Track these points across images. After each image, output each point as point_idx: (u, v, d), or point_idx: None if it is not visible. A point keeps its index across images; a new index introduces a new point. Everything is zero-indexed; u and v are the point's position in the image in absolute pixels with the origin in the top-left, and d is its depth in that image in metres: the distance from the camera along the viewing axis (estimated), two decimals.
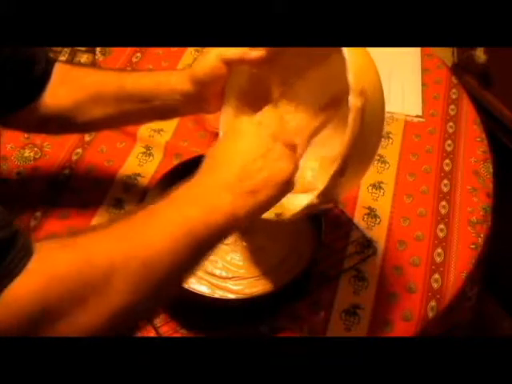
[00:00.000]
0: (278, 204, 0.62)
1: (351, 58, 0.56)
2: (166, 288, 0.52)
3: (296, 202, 0.62)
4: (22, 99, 0.70)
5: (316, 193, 0.58)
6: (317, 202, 0.59)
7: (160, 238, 0.50)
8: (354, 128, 0.55)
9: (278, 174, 0.56)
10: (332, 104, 0.69)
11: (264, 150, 0.57)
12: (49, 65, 0.71)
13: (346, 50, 0.56)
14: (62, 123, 0.73)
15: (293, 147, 0.60)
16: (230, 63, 0.65)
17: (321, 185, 0.58)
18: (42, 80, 0.70)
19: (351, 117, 0.55)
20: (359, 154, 0.57)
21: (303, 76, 0.70)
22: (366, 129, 0.56)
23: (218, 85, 0.67)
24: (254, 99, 0.71)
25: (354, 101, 0.55)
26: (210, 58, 0.65)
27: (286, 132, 0.61)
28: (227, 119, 0.70)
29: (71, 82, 0.71)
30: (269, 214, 0.63)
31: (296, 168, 0.58)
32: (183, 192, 0.54)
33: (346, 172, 0.57)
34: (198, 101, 0.69)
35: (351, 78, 0.55)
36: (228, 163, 0.56)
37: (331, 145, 0.69)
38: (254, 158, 0.56)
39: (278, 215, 0.63)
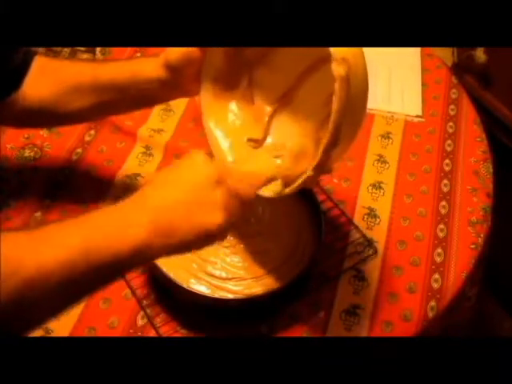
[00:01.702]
0: (274, 180, 0.62)
1: None
2: (55, 305, 0.50)
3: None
4: (1, 90, 0.69)
5: (311, 166, 0.58)
6: (312, 175, 0.59)
7: (53, 263, 0.47)
8: (341, 97, 0.54)
9: (203, 223, 0.54)
10: (307, 72, 0.69)
11: (204, 194, 0.55)
12: (28, 56, 0.71)
13: None
14: (44, 115, 0.73)
15: (237, 195, 0.58)
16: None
17: (314, 156, 0.58)
18: (20, 71, 0.70)
19: (337, 86, 0.54)
20: (348, 122, 0.57)
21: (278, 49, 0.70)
22: (352, 96, 0.56)
23: (193, 68, 0.67)
24: (231, 78, 0.70)
25: (337, 69, 0.54)
26: None
27: (238, 176, 0.59)
28: (207, 102, 0.70)
29: (50, 74, 0.71)
30: (266, 192, 0.63)
31: (232, 218, 0.55)
32: (99, 214, 0.52)
33: (338, 142, 0.56)
34: (175, 86, 0.68)
35: (332, 48, 0.55)
36: (162, 192, 0.55)
37: (303, 110, 0.69)
38: (189, 198, 0.54)
39: (275, 192, 0.63)
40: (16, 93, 0.70)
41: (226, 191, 0.56)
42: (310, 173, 0.59)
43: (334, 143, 0.56)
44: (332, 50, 0.55)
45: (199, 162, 0.57)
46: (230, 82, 0.70)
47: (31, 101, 0.70)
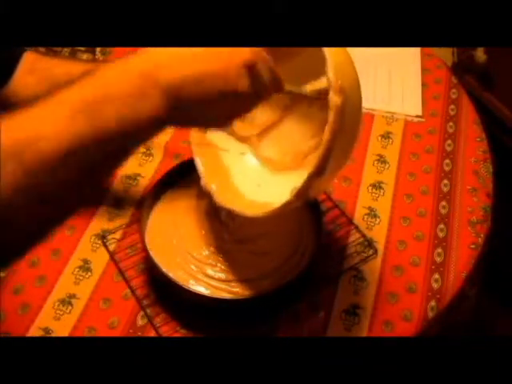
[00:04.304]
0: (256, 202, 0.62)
1: (331, 55, 0.55)
2: (65, 196, 0.45)
3: (274, 198, 0.62)
4: None
5: (293, 192, 0.58)
6: (293, 201, 0.58)
7: (57, 142, 0.42)
8: (335, 127, 0.54)
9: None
10: (299, 100, 0.69)
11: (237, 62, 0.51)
12: (15, 52, 0.70)
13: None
14: None
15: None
16: None
17: (297, 182, 0.57)
18: (7, 67, 0.69)
19: (331, 116, 0.53)
20: (337, 153, 0.56)
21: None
22: (346, 127, 0.55)
23: None
24: None
25: (334, 99, 0.53)
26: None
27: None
28: None
29: (40, 72, 0.70)
30: (245, 212, 0.64)
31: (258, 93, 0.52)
32: (105, 79, 0.47)
33: (325, 171, 0.56)
34: None
35: (331, 74, 0.54)
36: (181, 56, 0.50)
37: (291, 137, 0.70)
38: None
39: (252, 213, 0.64)
40: (4, 89, 0.69)
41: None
42: (290, 198, 0.58)
43: (319, 173, 0.55)
44: (330, 77, 0.54)
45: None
46: None
47: (20, 97, 0.69)
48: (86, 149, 0.44)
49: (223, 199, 0.67)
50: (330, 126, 0.54)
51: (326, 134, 0.54)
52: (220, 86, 0.50)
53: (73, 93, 0.45)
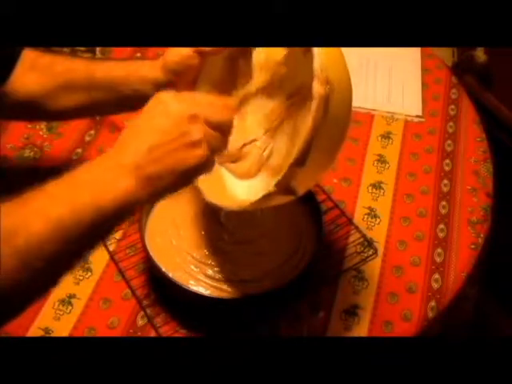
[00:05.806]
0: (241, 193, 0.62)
1: (319, 50, 0.55)
2: (53, 271, 0.50)
3: (257, 191, 0.61)
4: None
5: (274, 182, 0.57)
6: (274, 192, 0.57)
7: (43, 224, 0.48)
8: (317, 116, 0.53)
9: (185, 162, 0.53)
10: (299, 93, 0.68)
11: (178, 133, 0.53)
12: (14, 50, 0.70)
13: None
14: (32, 110, 0.72)
15: (219, 128, 0.55)
16: (203, 54, 0.65)
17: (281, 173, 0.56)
18: (6, 65, 0.69)
19: (314, 104, 0.53)
20: (322, 144, 0.55)
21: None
22: (331, 120, 0.54)
23: (190, 75, 0.67)
24: (226, 91, 0.70)
25: (317, 88, 0.53)
26: (184, 48, 0.65)
27: (214, 111, 0.55)
28: None
29: (41, 69, 0.71)
30: (229, 205, 0.64)
31: (214, 148, 0.54)
32: (81, 172, 0.52)
33: (307, 162, 0.55)
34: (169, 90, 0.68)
35: (316, 65, 0.54)
36: (137, 142, 0.52)
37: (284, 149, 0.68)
38: (165, 141, 0.52)
39: (238, 206, 0.62)
40: (3, 86, 0.69)
41: (202, 123, 0.54)
42: (271, 188, 0.57)
43: (300, 162, 0.55)
44: (316, 68, 0.54)
45: (168, 101, 0.54)
46: (223, 95, 0.70)
47: (20, 94, 0.70)
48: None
49: (213, 198, 0.67)
50: (312, 115, 0.53)
51: (308, 123, 0.54)
52: (179, 162, 0.53)
53: (60, 203, 0.50)
